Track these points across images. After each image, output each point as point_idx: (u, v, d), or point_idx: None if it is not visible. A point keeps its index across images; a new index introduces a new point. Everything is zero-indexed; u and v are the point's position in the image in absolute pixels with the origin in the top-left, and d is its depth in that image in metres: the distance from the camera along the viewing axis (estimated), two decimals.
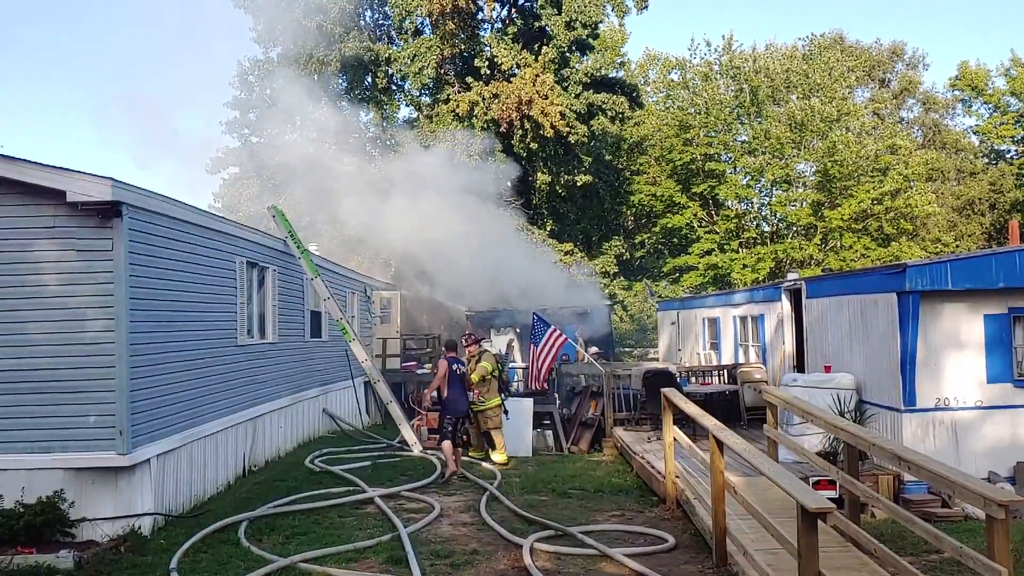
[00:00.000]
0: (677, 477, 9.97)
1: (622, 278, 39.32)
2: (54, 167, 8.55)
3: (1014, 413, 11.53)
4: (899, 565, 6.09)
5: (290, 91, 29.07)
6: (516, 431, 14.61)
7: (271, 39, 32.44)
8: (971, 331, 11.65)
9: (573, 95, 30.64)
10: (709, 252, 37.04)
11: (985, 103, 44.30)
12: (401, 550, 8.23)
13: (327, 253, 22.57)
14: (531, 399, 15.39)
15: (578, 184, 32.27)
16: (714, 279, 36.58)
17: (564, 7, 30.08)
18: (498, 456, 13.56)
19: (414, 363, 22.58)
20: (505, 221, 28.26)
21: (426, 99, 32.48)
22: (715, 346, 21.30)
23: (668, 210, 38.67)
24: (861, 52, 46.86)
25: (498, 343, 22.56)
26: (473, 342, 14.39)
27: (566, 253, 31.99)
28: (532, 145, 29.68)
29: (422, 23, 31.08)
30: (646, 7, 33.03)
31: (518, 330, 22.89)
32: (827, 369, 13.30)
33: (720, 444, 7.59)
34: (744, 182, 37.84)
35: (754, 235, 38.67)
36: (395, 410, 15.30)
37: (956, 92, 46.14)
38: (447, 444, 12.44)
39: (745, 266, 35.77)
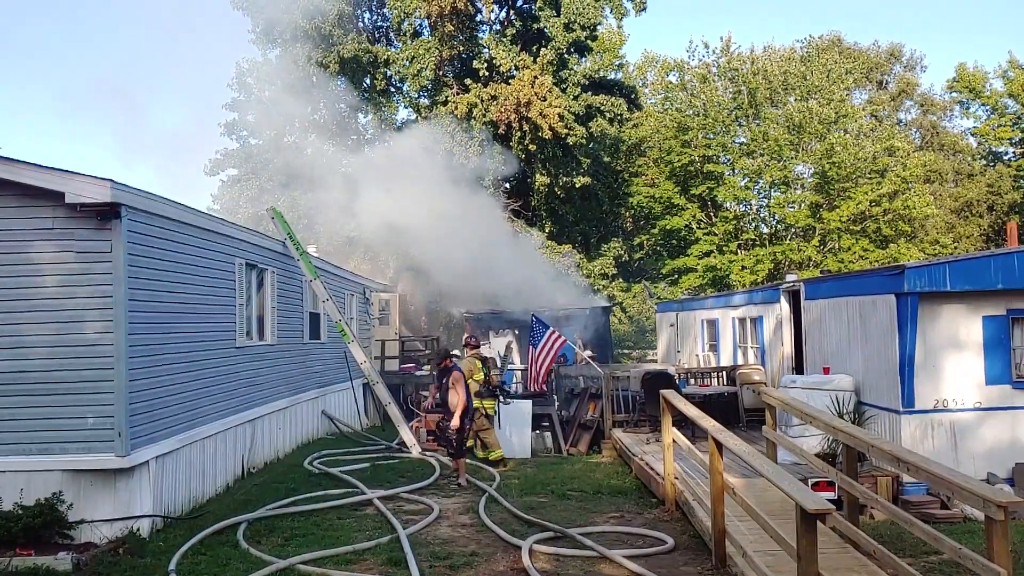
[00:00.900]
0: (676, 479, 9.98)
1: (621, 280, 39.32)
2: (52, 168, 8.55)
3: (1013, 414, 11.54)
4: (898, 566, 6.10)
5: (288, 93, 29.10)
6: (515, 433, 14.62)
7: (269, 41, 32.43)
8: (970, 332, 11.65)
9: (571, 97, 30.65)
10: (708, 254, 37.05)
11: (983, 105, 44.36)
12: (400, 552, 8.24)
13: (325, 255, 22.59)
14: (530, 401, 15.39)
15: (577, 186, 32.27)
16: (713, 281, 36.58)
17: (562, 9, 30.10)
18: (493, 455, 13.56)
19: (413, 364, 22.58)
20: (493, 211, 28.14)
21: (425, 101, 32.48)
22: (714, 348, 21.30)
23: (667, 212, 38.67)
24: (859, 54, 46.91)
25: (497, 345, 22.55)
26: (475, 345, 14.47)
27: (564, 255, 31.97)
28: (531, 147, 29.68)
29: (420, 25, 31.09)
30: (644, 9, 33.06)
31: (517, 332, 22.88)
32: (826, 370, 13.31)
33: (719, 445, 7.60)
34: (743, 184, 37.85)
35: (753, 237, 38.68)
36: (394, 412, 15.31)
37: (954, 94, 46.21)
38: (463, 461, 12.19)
39: (744, 268, 35.78)
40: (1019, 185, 42.53)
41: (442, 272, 25.14)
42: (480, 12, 31.20)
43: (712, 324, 21.58)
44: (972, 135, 46.11)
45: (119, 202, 8.59)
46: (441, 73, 30.99)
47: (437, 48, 29.69)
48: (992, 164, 44.98)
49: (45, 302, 8.74)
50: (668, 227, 38.41)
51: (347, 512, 10.09)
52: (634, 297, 39.96)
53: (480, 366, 13.93)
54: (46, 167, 8.56)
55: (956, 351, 11.63)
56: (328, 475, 12.17)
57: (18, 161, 8.58)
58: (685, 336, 24.34)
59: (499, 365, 20.20)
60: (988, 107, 44.03)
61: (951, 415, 11.52)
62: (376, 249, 28.96)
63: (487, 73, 30.25)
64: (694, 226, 38.14)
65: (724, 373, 17.43)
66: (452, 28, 29.05)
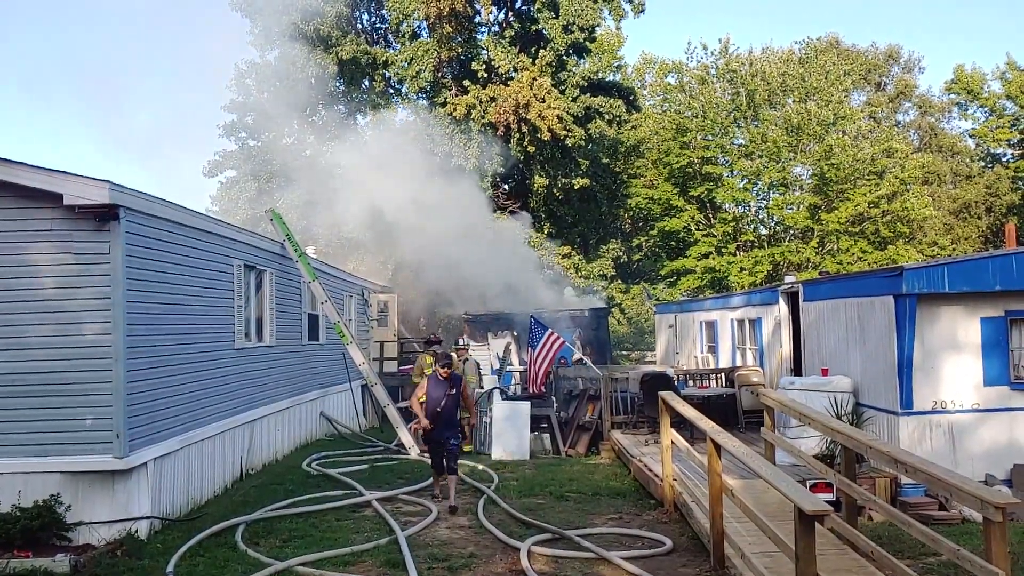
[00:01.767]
0: (675, 480, 9.98)
1: (620, 281, 39.34)
2: (51, 170, 8.55)
3: (1011, 416, 11.55)
4: (896, 568, 6.10)
5: (287, 95, 29.12)
6: (514, 434, 14.62)
7: (268, 42, 32.45)
8: (968, 334, 11.66)
9: (570, 98, 30.67)
10: (706, 255, 37.05)
11: (981, 107, 44.41)
12: (398, 553, 8.24)
13: (324, 256, 22.59)
14: (528, 402, 15.39)
15: (575, 187, 32.29)
16: (711, 282, 36.58)
17: (561, 11, 30.12)
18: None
19: (411, 366, 22.57)
20: (475, 199, 28.14)
21: (423, 102, 32.50)
22: (712, 349, 21.31)
23: (665, 213, 38.68)
24: (857, 56, 46.96)
25: (495, 346, 22.55)
26: (435, 341, 15.99)
27: (563, 256, 31.99)
28: (529, 148, 29.70)
29: (419, 26, 31.11)
30: (643, 11, 33.10)
31: (515, 333, 22.88)
32: (824, 372, 13.32)
33: (718, 447, 7.60)
34: (741, 185, 37.87)
35: (751, 238, 38.70)
36: (392, 413, 15.31)
37: (952, 95, 46.25)
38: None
39: (742, 269, 35.79)
40: (1017, 187, 42.58)
41: (430, 265, 25.28)
42: (479, 14, 31.23)
43: (711, 326, 21.59)
44: (970, 137, 46.17)
45: (117, 203, 8.58)
46: (440, 75, 31.01)
47: (436, 50, 29.71)
48: (990, 166, 45.03)
49: (43, 303, 8.73)
50: (667, 228, 38.41)
51: (345, 514, 10.09)
52: (633, 298, 39.97)
53: (431, 361, 14.55)
54: (44, 168, 8.55)
55: (954, 352, 11.64)
56: (327, 476, 12.16)
57: (16, 163, 8.57)
58: (684, 338, 24.35)
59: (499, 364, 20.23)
60: (986, 109, 44.08)
61: (949, 416, 11.52)
62: (374, 250, 28.98)
63: (486, 75, 30.27)
64: (693, 227, 38.15)
65: (723, 374, 17.44)
66: (451, 30, 29.06)
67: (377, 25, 34.77)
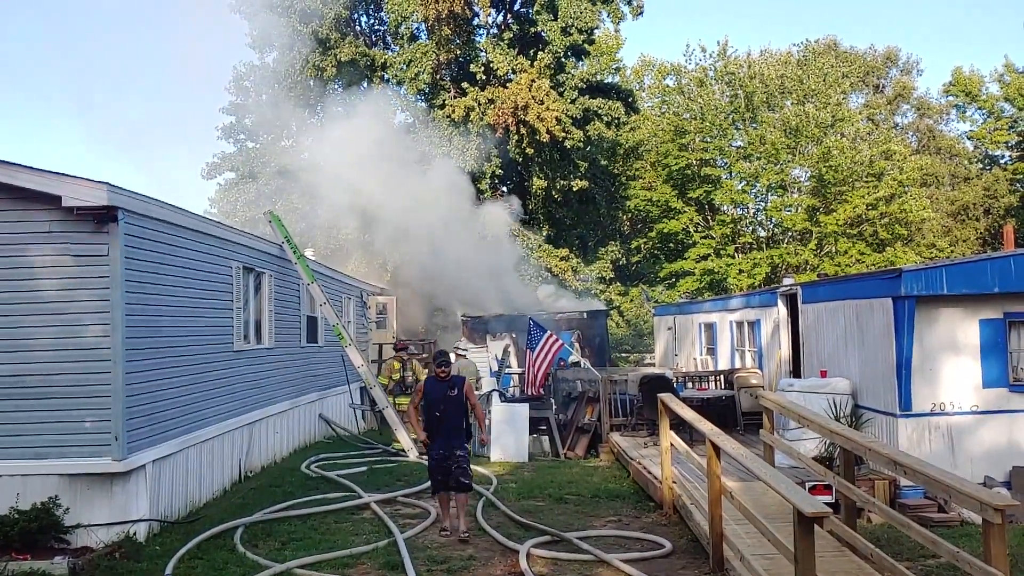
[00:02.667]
0: (674, 482, 9.97)
1: (618, 283, 39.35)
2: (49, 172, 8.54)
3: (1010, 418, 11.54)
4: (896, 570, 6.10)
5: (285, 96, 29.14)
6: (512, 436, 14.62)
7: (266, 44, 32.45)
8: (967, 336, 11.66)
9: (569, 100, 30.69)
10: (705, 257, 37.09)
11: (979, 109, 44.49)
12: (397, 556, 8.23)
13: (323, 258, 22.59)
14: (527, 404, 15.39)
15: (574, 189, 32.31)
16: (710, 284, 36.62)
17: (560, 13, 30.15)
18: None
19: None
20: (462, 193, 28.20)
21: (422, 104, 32.51)
22: (711, 351, 21.31)
23: (664, 215, 38.72)
24: (855, 58, 47.02)
25: (494, 348, 22.55)
26: (403, 347, 16.40)
27: (562, 258, 31.99)
28: (528, 150, 29.71)
29: (418, 28, 31.12)
30: (641, 13, 33.15)
31: (514, 335, 22.89)
32: (823, 374, 13.31)
33: (717, 449, 7.59)
34: (740, 187, 37.92)
35: (750, 240, 38.73)
36: (391, 415, 15.30)
37: (950, 98, 46.34)
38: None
39: (741, 271, 35.82)
40: (1015, 188, 42.63)
41: (416, 255, 25.38)
42: (477, 16, 31.25)
43: (710, 328, 21.59)
44: (968, 139, 46.26)
45: (116, 205, 8.57)
46: (438, 77, 31.01)
47: (434, 52, 29.72)
48: (988, 167, 45.09)
49: (42, 305, 8.72)
50: (665, 230, 38.45)
51: (344, 516, 10.07)
52: (631, 301, 39.98)
53: (398, 366, 16.28)
54: (42, 170, 8.54)
55: (953, 354, 11.64)
56: (325, 479, 12.15)
57: (14, 164, 8.56)
58: (683, 340, 24.35)
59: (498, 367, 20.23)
60: (984, 111, 44.17)
61: (948, 418, 11.52)
62: (372, 252, 28.98)
63: (484, 77, 30.28)
64: (691, 229, 38.20)
65: (722, 377, 17.44)
66: (449, 32, 29.08)
67: (376, 27, 34.79)
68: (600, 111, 31.92)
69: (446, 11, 28.25)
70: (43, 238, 8.72)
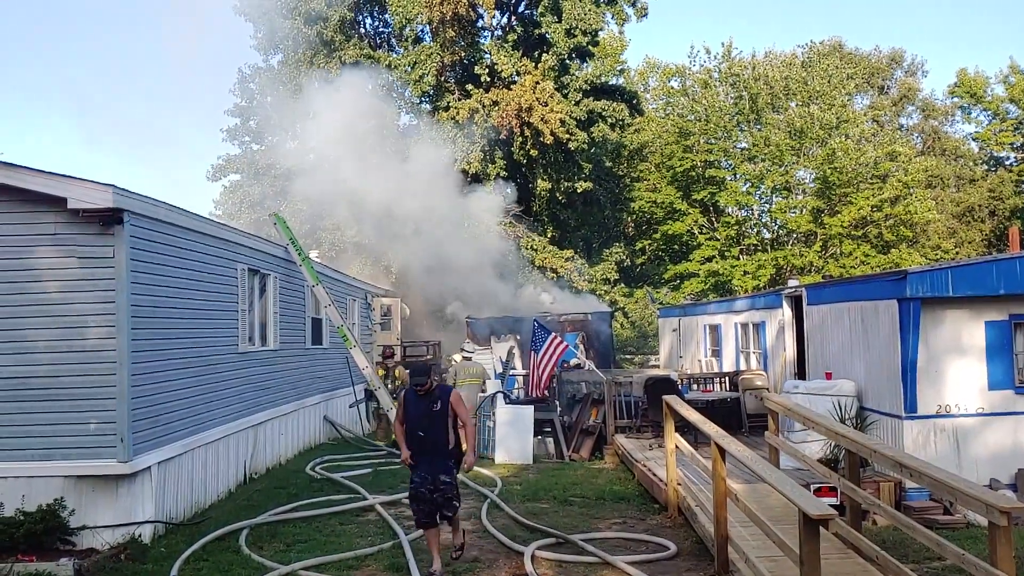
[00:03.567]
0: (679, 484, 9.96)
1: (623, 285, 39.34)
2: (55, 174, 8.57)
3: (1016, 420, 11.52)
4: (901, 572, 6.08)
5: (290, 99, 29.20)
6: (517, 438, 14.61)
7: (271, 46, 32.51)
8: (972, 338, 11.64)
9: (573, 102, 30.70)
10: (710, 259, 37.05)
11: (984, 110, 44.39)
12: (402, 557, 8.23)
13: (327, 260, 22.61)
14: (532, 406, 15.38)
15: (578, 191, 32.31)
16: (715, 286, 36.58)
17: (564, 15, 30.16)
18: None
19: None
20: (448, 181, 28.19)
21: (426, 106, 32.54)
22: (716, 353, 21.28)
23: (668, 217, 38.70)
24: (860, 59, 46.97)
25: (498, 350, 22.55)
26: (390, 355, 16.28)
27: (566, 260, 31.99)
28: (532, 152, 29.73)
29: (422, 30, 31.16)
30: (645, 15, 33.14)
31: (519, 337, 22.89)
32: (828, 376, 13.29)
33: (722, 451, 7.58)
34: (744, 189, 37.87)
35: (754, 242, 38.69)
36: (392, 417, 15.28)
37: (955, 99, 46.26)
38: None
39: (746, 273, 35.77)
40: (1021, 190, 42.52)
41: (402, 244, 25.48)
42: (482, 18, 31.28)
43: (714, 329, 21.57)
44: (974, 140, 46.15)
45: (121, 207, 8.59)
46: (443, 79, 31.04)
47: (439, 54, 29.75)
48: (994, 169, 44.98)
49: (48, 307, 8.74)
50: (670, 232, 38.42)
51: (349, 518, 10.08)
52: (636, 302, 39.95)
53: (383, 373, 16.78)
54: (48, 173, 8.57)
55: (959, 356, 11.62)
56: (330, 480, 12.15)
57: (20, 167, 8.59)
58: (687, 341, 24.32)
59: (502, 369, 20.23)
60: (989, 112, 44.07)
61: (954, 420, 11.50)
62: (376, 253, 29.03)
63: (489, 79, 30.30)
64: (696, 231, 38.16)
65: (727, 378, 17.42)
66: (454, 34, 29.11)
67: (380, 29, 34.84)
68: (604, 113, 31.93)
69: (450, 13, 28.28)
70: (48, 240, 8.75)
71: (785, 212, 37.29)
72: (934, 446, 11.40)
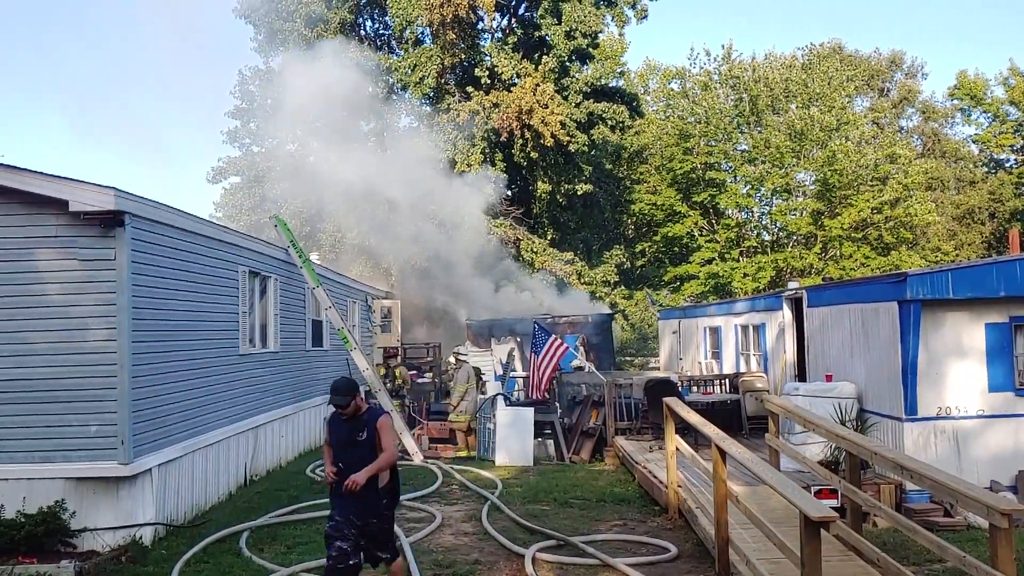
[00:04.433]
0: (679, 486, 9.96)
1: (623, 287, 39.35)
2: (56, 176, 8.58)
3: (1016, 422, 11.52)
4: (902, 574, 6.08)
5: (290, 101, 29.20)
6: (517, 440, 14.62)
7: (272, 48, 32.52)
8: (972, 340, 11.65)
9: (573, 104, 30.71)
10: (710, 261, 37.07)
11: (984, 112, 44.40)
12: (403, 560, 8.21)
13: (328, 262, 22.63)
14: (532, 408, 15.38)
15: (578, 193, 32.32)
16: (715, 288, 36.59)
17: (564, 17, 30.18)
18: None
19: (414, 372, 22.55)
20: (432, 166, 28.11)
21: (427, 108, 32.56)
22: (716, 355, 21.28)
23: (669, 219, 38.72)
24: (860, 61, 46.99)
25: (498, 352, 22.55)
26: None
27: (567, 262, 32.00)
28: (532, 154, 29.74)
29: (422, 33, 31.17)
30: (645, 17, 33.17)
31: (519, 339, 22.89)
32: (828, 378, 13.29)
33: (723, 453, 7.58)
34: (744, 191, 37.89)
35: (754, 244, 38.71)
36: (396, 419, 15.30)
37: (955, 101, 46.26)
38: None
39: (746, 275, 35.79)
40: (1021, 192, 42.53)
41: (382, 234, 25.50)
42: (482, 20, 31.29)
43: (715, 331, 21.57)
44: (973, 142, 46.16)
45: (123, 210, 8.61)
46: (443, 81, 31.06)
47: (439, 56, 29.77)
48: (994, 171, 45.01)
49: (49, 309, 8.75)
50: (670, 234, 38.43)
51: None
52: (636, 304, 39.97)
53: (383, 372, 17.01)
54: (50, 175, 8.59)
55: (959, 358, 11.62)
56: None
57: (22, 169, 8.61)
58: (687, 343, 24.32)
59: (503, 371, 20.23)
60: (989, 114, 44.08)
61: (954, 422, 11.50)
62: (377, 255, 29.05)
63: (489, 81, 30.31)
64: (696, 233, 38.17)
65: (727, 380, 17.42)
66: (454, 36, 29.12)
67: (380, 31, 34.85)
68: (604, 115, 31.94)
69: (451, 15, 28.30)
70: (50, 242, 8.77)
71: (785, 214, 37.32)
72: (934, 448, 11.40)
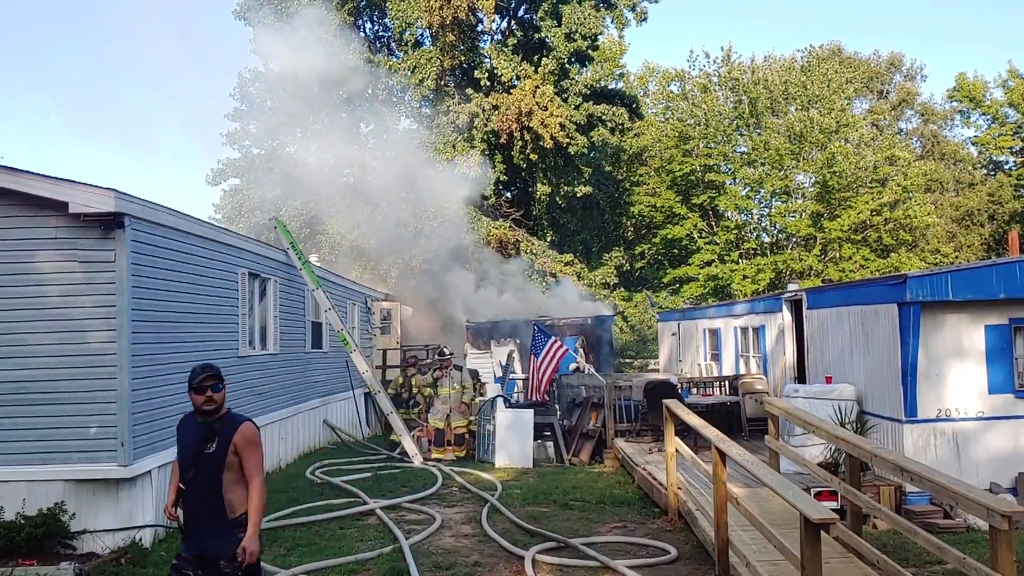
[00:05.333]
0: (679, 488, 9.96)
1: (622, 289, 39.36)
2: (56, 178, 8.58)
3: (1016, 424, 11.51)
4: None
5: (290, 102, 29.22)
6: (517, 442, 14.62)
7: (271, 50, 32.51)
8: (972, 342, 11.65)
9: (573, 106, 30.73)
10: (709, 263, 37.08)
11: (983, 114, 44.45)
12: (402, 561, 8.22)
13: (327, 264, 22.63)
14: (532, 410, 15.38)
15: (578, 195, 32.35)
16: (714, 290, 36.61)
17: (564, 19, 30.19)
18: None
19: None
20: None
21: (426, 110, 32.57)
22: (716, 357, 21.28)
23: (668, 221, 38.74)
24: (859, 63, 47.04)
25: (498, 354, 22.55)
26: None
27: (566, 264, 32.00)
28: (532, 156, 29.74)
29: (422, 35, 31.18)
30: (645, 19, 33.18)
31: (518, 341, 22.89)
32: (828, 380, 13.29)
33: (723, 455, 7.58)
34: (744, 193, 37.92)
35: (754, 246, 38.73)
36: (395, 421, 15.30)
37: (954, 103, 46.30)
38: None
39: (745, 277, 35.81)
40: (1020, 194, 42.58)
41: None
42: (481, 22, 31.31)
43: (714, 333, 21.57)
44: (973, 144, 46.22)
45: (122, 212, 8.61)
46: (443, 83, 31.07)
47: (439, 58, 29.78)
48: (993, 173, 45.05)
49: (48, 311, 8.74)
50: (669, 236, 38.45)
51: (349, 522, 10.07)
52: (636, 306, 39.97)
53: (401, 381, 17.55)
54: (50, 177, 8.59)
55: (959, 360, 11.62)
56: (330, 484, 12.15)
57: (22, 171, 8.61)
58: (687, 345, 24.32)
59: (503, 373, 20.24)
60: (988, 116, 44.11)
61: (954, 424, 11.50)
62: (376, 257, 29.05)
63: (488, 83, 30.32)
64: (695, 235, 38.18)
65: (726, 382, 17.41)
66: (453, 38, 29.13)
67: (380, 33, 34.87)
68: (604, 117, 31.95)
69: (450, 17, 28.31)
70: (49, 244, 8.76)
71: (784, 216, 37.34)
72: (934, 450, 11.40)
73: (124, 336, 8.70)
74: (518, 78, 30.11)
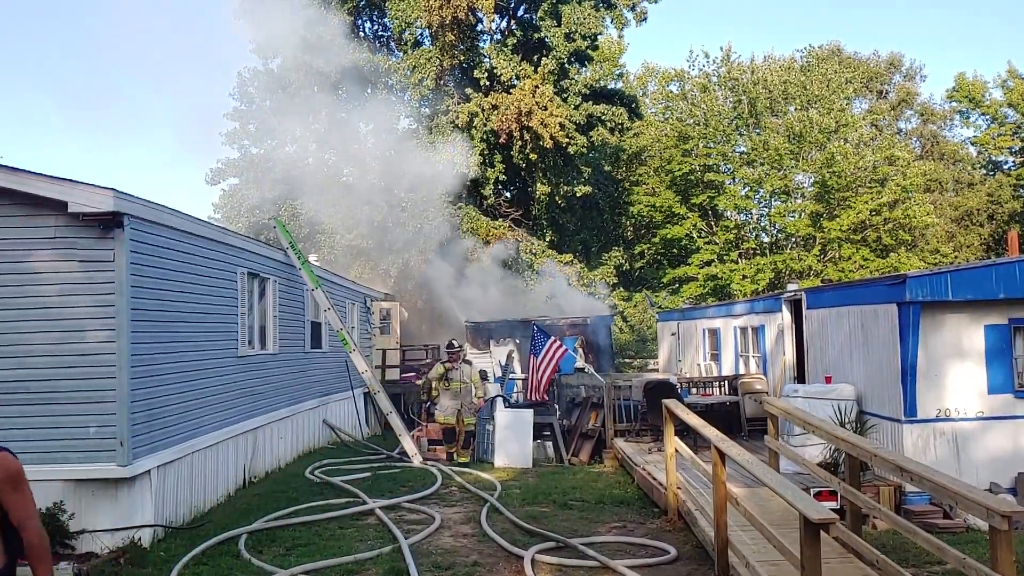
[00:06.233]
0: (679, 488, 9.95)
1: (622, 289, 39.36)
2: (56, 177, 8.57)
3: (1015, 424, 11.52)
4: None
5: (290, 102, 29.22)
6: (516, 442, 14.61)
7: (271, 50, 32.54)
8: (972, 342, 11.65)
9: (572, 106, 30.74)
10: (709, 263, 37.09)
11: (982, 115, 44.48)
12: (402, 561, 8.21)
13: (327, 264, 22.62)
14: (531, 410, 15.37)
15: (577, 195, 32.34)
16: (714, 290, 36.61)
17: (563, 19, 30.21)
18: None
19: (414, 374, 22.57)
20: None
21: (426, 110, 32.58)
22: (715, 357, 21.28)
23: (667, 221, 38.74)
24: (859, 63, 47.05)
25: (498, 354, 22.55)
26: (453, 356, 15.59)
27: (566, 264, 32.01)
28: (531, 156, 29.75)
29: (421, 34, 31.20)
30: (645, 19, 33.22)
31: (518, 340, 22.89)
32: (828, 380, 13.29)
33: (722, 455, 7.57)
34: (743, 193, 37.93)
35: (753, 246, 38.74)
36: (395, 421, 15.29)
37: (953, 103, 46.34)
38: None
39: (744, 277, 35.81)
40: (1019, 194, 42.61)
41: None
42: (481, 22, 31.32)
43: (713, 333, 21.57)
44: (972, 144, 46.26)
45: (122, 211, 8.59)
46: (442, 82, 31.06)
47: (438, 57, 29.78)
48: (992, 173, 45.07)
49: (47, 311, 8.73)
50: (669, 236, 38.46)
51: (349, 522, 10.06)
52: (635, 306, 39.98)
53: (443, 371, 15.90)
54: (49, 176, 8.57)
55: (958, 360, 11.63)
56: (329, 484, 12.13)
57: (21, 170, 8.59)
58: (686, 345, 24.32)
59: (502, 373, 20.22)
60: (988, 116, 44.15)
61: (953, 424, 11.50)
62: (376, 257, 29.06)
63: (488, 83, 30.33)
64: (695, 235, 38.19)
65: (726, 382, 17.41)
66: (453, 38, 29.15)
67: (379, 33, 34.88)
68: (604, 117, 31.96)
69: (450, 17, 28.32)
70: (48, 243, 8.74)
71: (784, 216, 37.35)
72: (934, 450, 11.40)
73: (123, 336, 8.69)
74: (518, 78, 30.12)
